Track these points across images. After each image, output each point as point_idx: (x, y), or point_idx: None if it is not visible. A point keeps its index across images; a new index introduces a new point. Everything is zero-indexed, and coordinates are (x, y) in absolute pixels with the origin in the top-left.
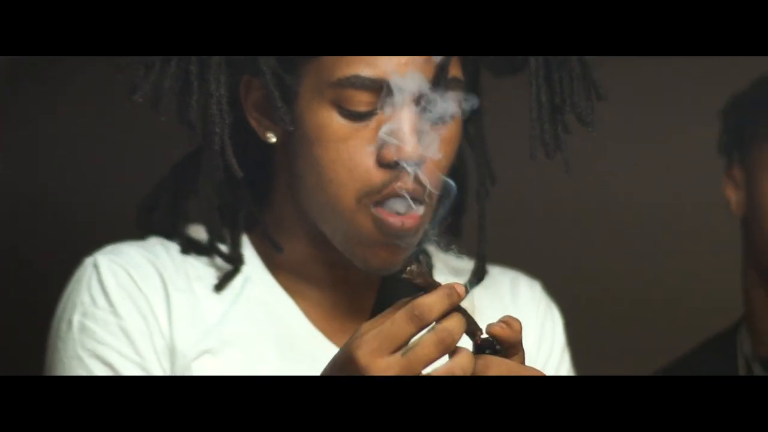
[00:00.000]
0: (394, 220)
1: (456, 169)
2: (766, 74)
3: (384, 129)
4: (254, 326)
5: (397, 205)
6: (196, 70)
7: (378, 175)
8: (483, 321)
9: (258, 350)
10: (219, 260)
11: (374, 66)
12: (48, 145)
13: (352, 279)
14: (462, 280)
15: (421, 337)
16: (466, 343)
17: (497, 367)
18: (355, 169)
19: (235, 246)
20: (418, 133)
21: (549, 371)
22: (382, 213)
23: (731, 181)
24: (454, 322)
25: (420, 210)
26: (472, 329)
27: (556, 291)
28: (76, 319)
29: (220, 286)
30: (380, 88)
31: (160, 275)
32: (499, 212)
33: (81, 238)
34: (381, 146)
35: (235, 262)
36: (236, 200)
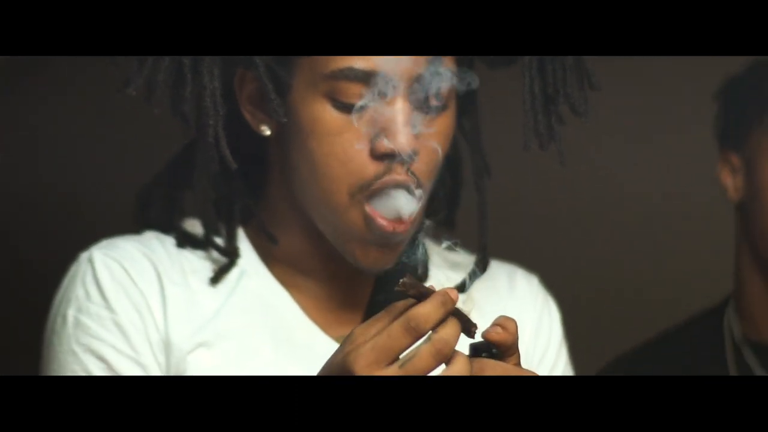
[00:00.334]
0: (386, 224)
1: (451, 161)
2: (762, 57)
3: (377, 122)
4: (250, 319)
5: (389, 210)
6: (189, 63)
7: (371, 168)
8: (480, 314)
9: (254, 343)
10: (214, 254)
11: (367, 58)
12: (45, 142)
13: (347, 271)
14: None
15: (418, 348)
16: (462, 343)
17: (492, 370)
18: (349, 161)
19: (231, 239)
20: (412, 125)
21: (546, 365)
22: (374, 214)
23: (727, 166)
24: (450, 330)
25: (412, 215)
26: (467, 327)
27: (552, 285)
28: (71, 314)
29: (215, 279)
30: (373, 81)
31: (155, 269)
32: (495, 207)
33: (78, 234)
34: (374, 138)
35: (231, 255)
36: (231, 193)
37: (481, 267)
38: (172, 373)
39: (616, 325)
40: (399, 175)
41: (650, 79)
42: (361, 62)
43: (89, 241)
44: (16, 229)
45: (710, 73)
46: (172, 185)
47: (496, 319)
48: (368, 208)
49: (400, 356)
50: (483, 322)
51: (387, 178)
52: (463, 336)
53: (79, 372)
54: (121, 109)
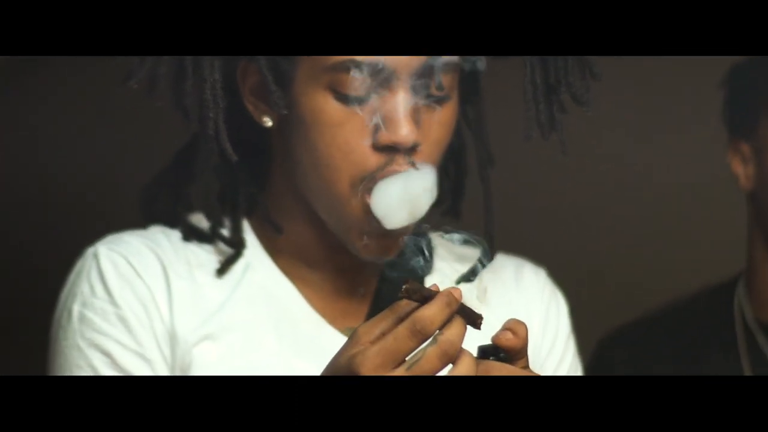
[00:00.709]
0: None
1: (455, 150)
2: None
3: (379, 113)
4: (255, 312)
5: None
6: (190, 56)
7: (373, 159)
8: (487, 307)
9: (259, 335)
10: (220, 247)
11: None
12: (49, 140)
13: (352, 263)
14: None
15: (424, 350)
16: (468, 341)
17: (499, 372)
18: (351, 152)
19: (236, 230)
20: (413, 117)
21: (554, 358)
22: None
23: (738, 156)
24: (455, 330)
25: None
26: (472, 320)
27: (558, 277)
28: (76, 309)
29: (222, 270)
30: (375, 72)
31: (161, 262)
32: (501, 199)
33: (85, 230)
34: (376, 130)
35: (237, 245)
36: (235, 183)
37: (487, 258)
38: (178, 365)
39: (622, 314)
40: (401, 166)
41: (659, 65)
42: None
43: (96, 236)
44: (23, 225)
45: (718, 63)
46: (178, 179)
47: (507, 323)
48: (369, 199)
49: (406, 358)
50: (491, 315)
51: (389, 170)
52: (470, 330)
53: (84, 367)
54: (125, 104)
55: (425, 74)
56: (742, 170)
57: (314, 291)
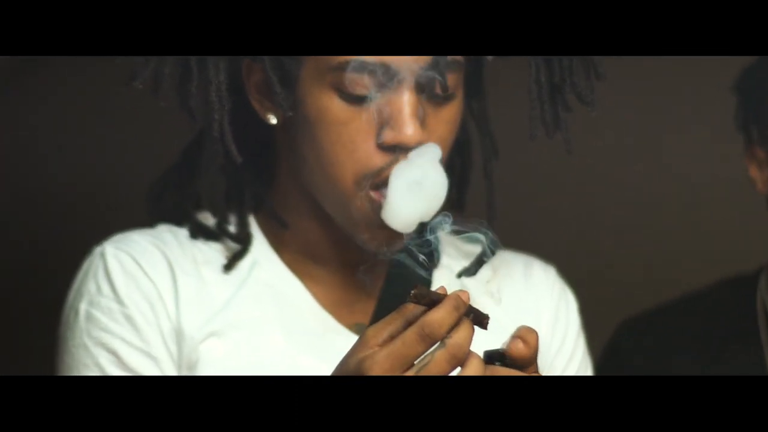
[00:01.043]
0: None
1: (461, 143)
2: None
3: (384, 113)
4: (262, 308)
5: None
6: (195, 57)
7: (378, 158)
8: (497, 306)
9: (266, 332)
10: (227, 244)
11: None
12: (54, 139)
13: (359, 259)
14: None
15: (433, 353)
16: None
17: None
18: (356, 151)
19: (243, 226)
20: (418, 116)
21: (564, 355)
22: (380, 198)
23: (754, 161)
24: (463, 333)
25: None
26: (480, 320)
27: (567, 277)
28: (83, 307)
29: (228, 266)
30: (380, 72)
31: (167, 260)
32: (509, 197)
33: (93, 230)
34: (381, 129)
35: (243, 241)
36: (241, 180)
37: (487, 253)
38: (185, 362)
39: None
40: None
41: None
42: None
43: (103, 236)
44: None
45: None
46: (185, 176)
47: (518, 331)
48: (374, 194)
49: (415, 362)
50: (500, 313)
51: (393, 169)
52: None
53: (91, 365)
54: (131, 103)
55: (430, 74)
56: (758, 175)
57: (321, 287)
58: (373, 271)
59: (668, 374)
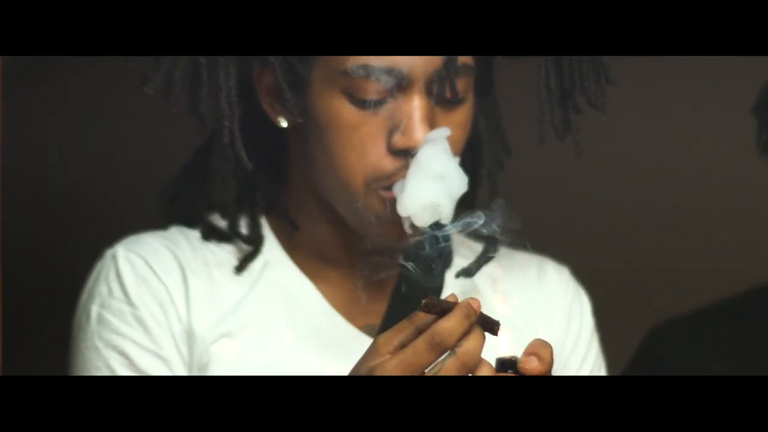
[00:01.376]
0: None
1: (473, 140)
2: None
3: (395, 117)
4: (273, 309)
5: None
6: (206, 62)
7: (389, 162)
8: (510, 307)
9: (277, 333)
10: (238, 245)
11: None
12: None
13: (371, 259)
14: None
15: (443, 362)
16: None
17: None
18: (366, 154)
19: (255, 227)
20: (429, 120)
21: (577, 356)
22: (391, 196)
23: None
24: (474, 341)
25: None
26: (490, 327)
27: (580, 278)
28: (94, 310)
29: (240, 267)
30: (390, 77)
31: (179, 262)
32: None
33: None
34: (391, 134)
35: (255, 242)
36: (253, 182)
37: (491, 250)
38: (195, 364)
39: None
40: None
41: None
42: (377, 59)
43: (116, 237)
44: (46, 225)
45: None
46: (197, 178)
47: (531, 346)
48: (386, 193)
49: (426, 371)
50: (514, 315)
51: (404, 173)
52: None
53: (102, 367)
54: (143, 105)
55: (440, 78)
56: None
57: (332, 288)
58: (384, 273)
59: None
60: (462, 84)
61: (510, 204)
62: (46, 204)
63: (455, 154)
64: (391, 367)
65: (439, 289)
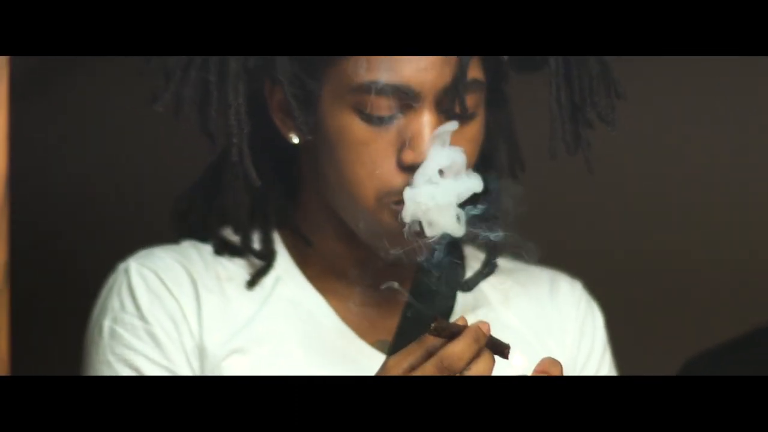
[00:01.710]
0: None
1: (485, 155)
2: None
3: (404, 133)
4: (285, 325)
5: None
6: (215, 80)
7: (399, 178)
8: (523, 322)
9: (288, 348)
10: (251, 260)
11: (393, 71)
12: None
13: (383, 275)
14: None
15: None
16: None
17: None
18: (376, 170)
19: (267, 242)
20: (439, 136)
21: (589, 371)
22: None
23: None
24: (483, 365)
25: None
26: (500, 350)
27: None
28: (107, 324)
29: (252, 282)
30: (401, 93)
31: (191, 276)
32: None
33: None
34: (401, 150)
35: (267, 257)
36: (265, 197)
37: (489, 268)
38: None
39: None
40: None
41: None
42: (387, 76)
43: (129, 250)
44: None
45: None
46: (209, 192)
47: (542, 363)
48: (397, 208)
49: None
50: (526, 330)
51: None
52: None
53: None
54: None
55: (450, 94)
56: None
57: (344, 303)
58: (396, 287)
59: None
60: (472, 99)
61: (522, 217)
62: (58, 212)
63: (467, 168)
64: None
65: (452, 302)
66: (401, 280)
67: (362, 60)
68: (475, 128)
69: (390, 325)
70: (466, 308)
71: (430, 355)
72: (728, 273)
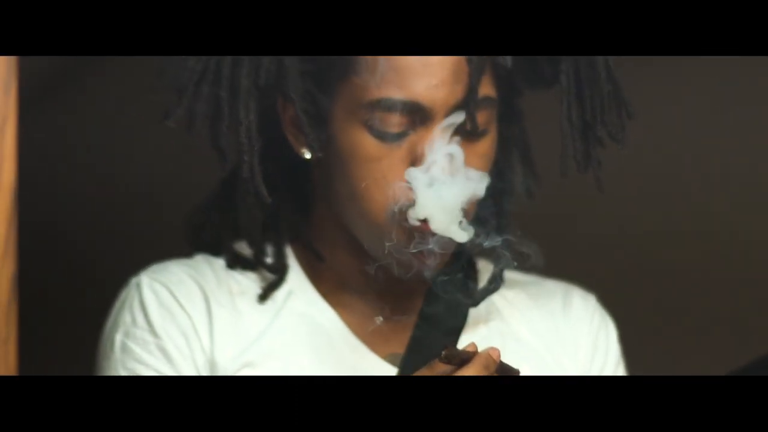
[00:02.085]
0: (428, 229)
1: (500, 170)
2: None
3: (416, 150)
4: (296, 339)
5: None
6: (227, 96)
7: (410, 194)
8: (536, 336)
9: (300, 362)
10: (263, 274)
11: (405, 88)
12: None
13: (395, 290)
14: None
15: None
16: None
17: None
18: (388, 186)
19: (280, 256)
20: (450, 153)
21: None
22: (415, 225)
23: None
24: None
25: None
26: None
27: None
28: (118, 338)
29: (264, 296)
30: (412, 110)
31: (203, 291)
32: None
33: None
34: (413, 166)
35: (280, 271)
36: (278, 212)
37: (495, 284)
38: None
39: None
40: None
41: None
42: (398, 92)
43: (140, 258)
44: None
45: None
46: (222, 206)
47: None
48: (407, 223)
49: None
50: (539, 344)
51: None
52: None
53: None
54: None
55: (461, 111)
56: None
57: (356, 317)
58: (408, 302)
59: None
60: (483, 116)
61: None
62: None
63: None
64: None
65: (464, 316)
66: (413, 294)
67: (374, 76)
68: (486, 145)
69: (402, 338)
70: (479, 321)
71: None
72: (750, 287)
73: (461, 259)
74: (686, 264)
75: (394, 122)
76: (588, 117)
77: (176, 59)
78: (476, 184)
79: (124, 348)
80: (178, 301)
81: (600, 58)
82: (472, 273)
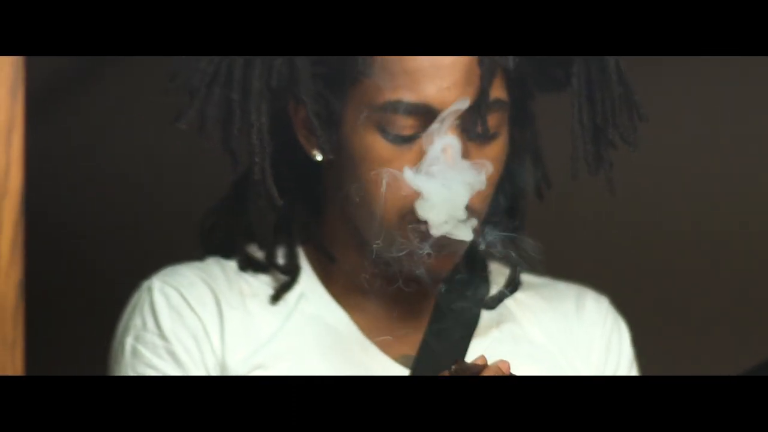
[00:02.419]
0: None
1: (512, 173)
2: None
3: (428, 152)
4: (307, 340)
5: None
6: (238, 98)
7: (416, 195)
8: (548, 338)
9: (311, 363)
10: (275, 276)
11: (417, 91)
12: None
13: (406, 291)
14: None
15: None
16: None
17: None
18: (399, 189)
19: (291, 257)
20: (462, 155)
21: None
22: (426, 228)
23: None
24: None
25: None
26: None
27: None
28: (129, 342)
29: (276, 297)
30: (423, 113)
31: (214, 293)
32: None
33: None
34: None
35: (292, 272)
36: (290, 213)
37: (512, 287)
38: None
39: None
40: None
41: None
42: (410, 95)
43: (147, 262)
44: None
45: None
46: (235, 209)
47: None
48: (419, 225)
49: None
50: (552, 345)
51: None
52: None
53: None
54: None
55: (472, 114)
56: None
57: (367, 319)
58: (420, 303)
59: None
60: (494, 119)
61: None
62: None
63: (491, 186)
64: None
65: (476, 318)
66: (425, 297)
67: (385, 79)
68: (497, 147)
69: (414, 340)
70: (491, 323)
71: None
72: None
73: (473, 260)
74: (686, 264)
75: (405, 124)
76: (599, 120)
77: (187, 61)
78: (475, 175)
79: (135, 352)
80: (188, 303)
81: (611, 61)
82: (484, 275)
